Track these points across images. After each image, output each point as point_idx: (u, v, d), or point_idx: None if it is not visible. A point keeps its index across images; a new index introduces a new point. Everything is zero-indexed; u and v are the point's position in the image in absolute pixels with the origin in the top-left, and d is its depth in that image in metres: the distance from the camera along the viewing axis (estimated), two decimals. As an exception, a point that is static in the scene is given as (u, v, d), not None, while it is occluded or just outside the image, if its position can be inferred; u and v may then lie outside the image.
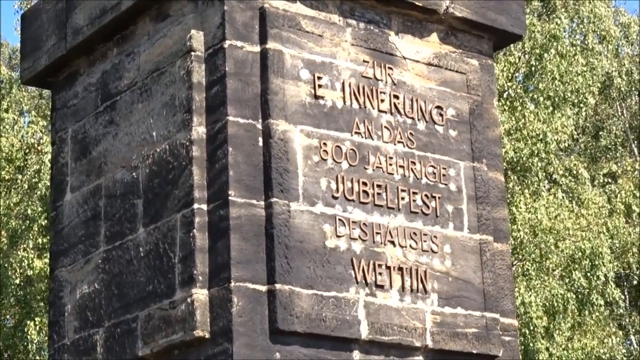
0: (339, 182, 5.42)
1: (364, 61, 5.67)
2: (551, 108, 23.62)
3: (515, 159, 22.62)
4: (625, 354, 27.85)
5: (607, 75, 26.23)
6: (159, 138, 5.52)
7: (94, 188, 5.90)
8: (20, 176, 24.24)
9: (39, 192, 22.30)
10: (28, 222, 23.21)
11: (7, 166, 25.15)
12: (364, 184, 5.49)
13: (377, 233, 5.47)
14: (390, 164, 5.62)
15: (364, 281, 5.36)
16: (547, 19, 24.89)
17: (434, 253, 5.62)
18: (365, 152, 5.54)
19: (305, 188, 5.31)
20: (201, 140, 5.30)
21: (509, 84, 23.61)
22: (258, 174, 5.24)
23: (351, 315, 5.27)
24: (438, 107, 5.83)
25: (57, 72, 6.33)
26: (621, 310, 28.47)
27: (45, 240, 21.17)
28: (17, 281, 23.26)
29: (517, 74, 24.39)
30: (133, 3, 5.72)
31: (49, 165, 6.41)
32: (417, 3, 5.84)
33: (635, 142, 33.10)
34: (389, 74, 5.73)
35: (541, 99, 23.81)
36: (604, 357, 24.76)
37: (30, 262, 22.65)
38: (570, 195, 24.91)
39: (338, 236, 5.35)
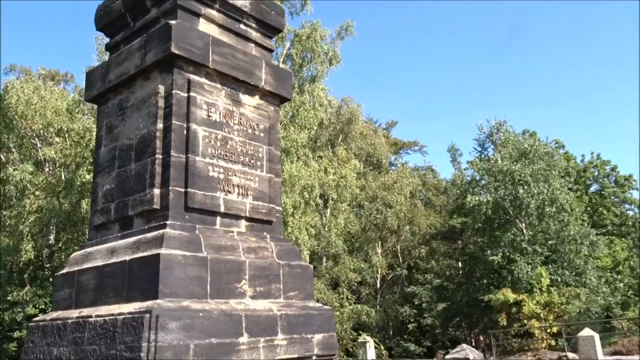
0: (215, 150, 5.31)
1: (228, 103, 5.56)
2: (299, 128, 23.83)
3: (284, 147, 22.73)
4: (323, 227, 28.60)
5: (320, 114, 26.44)
6: (143, 127, 5.28)
7: (114, 146, 5.61)
8: (81, 140, 23.05)
9: (90, 147, 21.14)
10: (85, 159, 22.31)
11: (77, 136, 23.86)
12: (226, 152, 5.39)
13: (229, 171, 5.39)
14: (237, 145, 5.52)
15: (223, 189, 5.29)
16: (300, 92, 25.01)
17: (251, 181, 5.57)
18: (227, 140, 5.44)
19: (202, 152, 5.19)
20: (161, 130, 5.11)
21: (284, 118, 23.67)
22: (183, 145, 5.09)
23: (217, 202, 5.21)
24: (257, 124, 5.77)
25: (100, 97, 5.97)
26: (321, 207, 29.06)
27: (91, 167, 20.22)
28: (79, 183, 22.26)
29: (287, 114, 24.45)
30: (135, 72, 5.46)
31: (95, 136, 6.05)
32: (250, 82, 5.77)
33: (330, 145, 33.75)
34: (238, 109, 5.63)
35: (295, 125, 24.00)
36: (314, 229, 25.26)
37: (84, 175, 21.72)
38: (305, 163, 25.23)
39: (213, 172, 5.25)
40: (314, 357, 5.20)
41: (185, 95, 5.23)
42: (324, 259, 30.76)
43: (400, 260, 37.08)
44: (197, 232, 4.94)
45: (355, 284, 32.34)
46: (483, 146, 36.51)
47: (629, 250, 39.76)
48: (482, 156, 35.88)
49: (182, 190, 4.99)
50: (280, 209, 6.00)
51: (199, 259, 4.71)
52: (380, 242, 35.76)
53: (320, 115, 26.11)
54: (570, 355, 18.14)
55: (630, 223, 42.47)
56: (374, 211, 34.26)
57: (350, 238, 34.88)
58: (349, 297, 30.04)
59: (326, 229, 28.92)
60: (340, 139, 34.26)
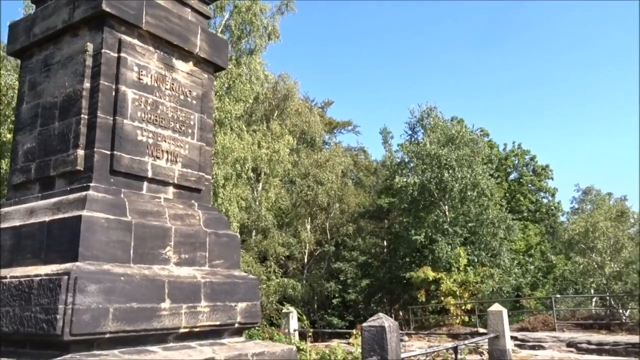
0: (145, 114, 5.14)
1: (161, 67, 5.39)
2: (235, 101, 23.45)
3: (219, 118, 22.34)
4: (253, 198, 28.36)
5: (256, 88, 25.97)
6: (68, 86, 5.03)
7: (36, 104, 5.31)
8: (3, 97, 21.67)
9: (12, 104, 19.95)
10: (6, 117, 21.02)
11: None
12: (156, 117, 5.23)
13: (159, 136, 5.24)
14: (168, 110, 5.37)
15: (152, 155, 5.15)
16: (237, 64, 24.54)
17: (182, 148, 5.44)
18: (158, 104, 5.28)
19: (131, 115, 5.01)
20: (87, 89, 4.89)
21: (219, 89, 23.20)
22: (111, 106, 4.90)
23: (145, 167, 5.07)
24: (189, 91, 5.64)
25: (24, 52, 5.63)
26: (253, 181, 28.82)
27: (12, 126, 19.08)
28: (-3, 142, 21.10)
29: (223, 86, 23.97)
30: (62, 27, 5.19)
31: (17, 92, 5.71)
32: (185, 48, 5.63)
33: (265, 120, 33.39)
34: (171, 74, 5.47)
35: (231, 96, 23.58)
36: (244, 202, 25.00)
37: (5, 134, 20.50)
38: (239, 136, 24.88)
39: (142, 136, 5.09)
40: (236, 325, 5.23)
41: (116, 55, 5.02)
42: (254, 232, 30.71)
43: (329, 237, 37.61)
44: (122, 196, 4.80)
45: (283, 258, 32.54)
46: (414, 130, 37.40)
47: (541, 236, 42.23)
48: (412, 139, 36.74)
49: (108, 152, 4.82)
50: (210, 177, 5.89)
51: (123, 223, 4.59)
52: (309, 218, 36.07)
53: (257, 89, 25.74)
54: (481, 330, 19.20)
55: (544, 210, 45.03)
56: (305, 188, 34.45)
57: (281, 213, 34.96)
58: (276, 271, 30.23)
59: (257, 203, 28.82)
60: (275, 114, 34.01)
